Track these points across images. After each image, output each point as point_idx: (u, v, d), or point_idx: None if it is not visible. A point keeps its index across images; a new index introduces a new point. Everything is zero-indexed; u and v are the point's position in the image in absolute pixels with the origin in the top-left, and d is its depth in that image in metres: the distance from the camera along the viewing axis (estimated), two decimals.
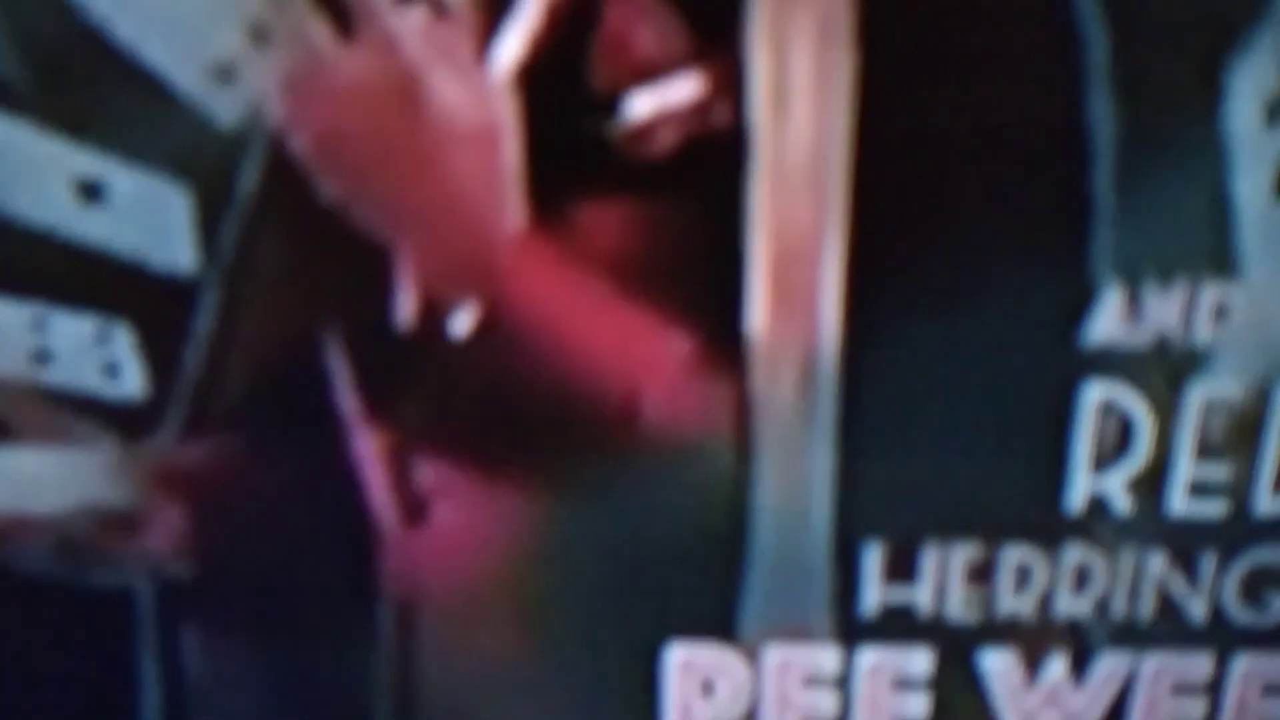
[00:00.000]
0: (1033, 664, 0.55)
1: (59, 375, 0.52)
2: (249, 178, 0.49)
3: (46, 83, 0.48)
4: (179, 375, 0.52)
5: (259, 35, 0.47)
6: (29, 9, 0.47)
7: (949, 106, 0.47)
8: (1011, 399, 0.51)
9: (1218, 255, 0.48)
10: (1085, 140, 0.47)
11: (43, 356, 0.52)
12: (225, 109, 0.48)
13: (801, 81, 0.47)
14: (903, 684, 0.54)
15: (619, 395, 0.51)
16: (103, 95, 0.48)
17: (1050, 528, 0.52)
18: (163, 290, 0.51)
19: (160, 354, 0.52)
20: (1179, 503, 0.52)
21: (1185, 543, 0.53)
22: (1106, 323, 0.49)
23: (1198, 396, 0.50)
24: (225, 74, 0.47)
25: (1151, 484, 0.52)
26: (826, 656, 0.54)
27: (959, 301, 0.49)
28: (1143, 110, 0.46)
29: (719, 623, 0.54)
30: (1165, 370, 0.50)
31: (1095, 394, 0.50)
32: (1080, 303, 0.49)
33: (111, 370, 0.52)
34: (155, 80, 0.48)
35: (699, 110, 0.48)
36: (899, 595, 0.53)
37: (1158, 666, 0.54)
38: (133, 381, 0.52)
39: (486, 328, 0.50)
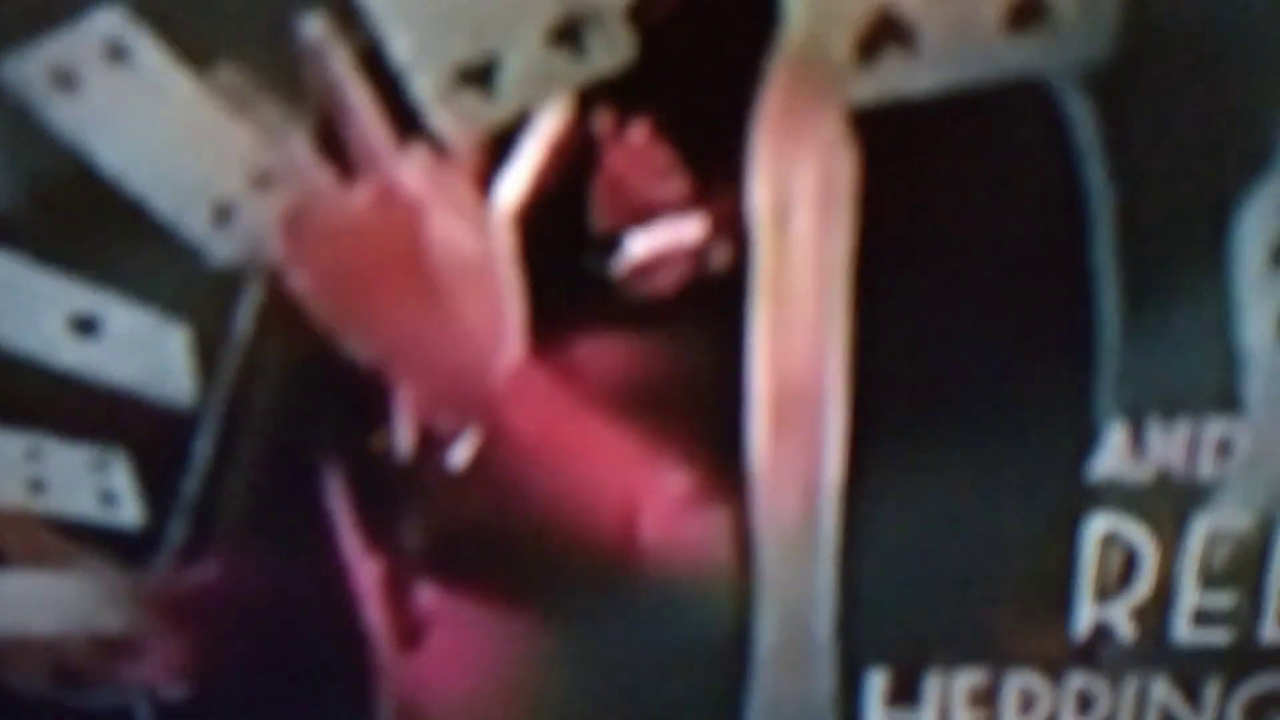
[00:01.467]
0: None
1: (55, 503, 0.52)
2: (246, 313, 0.49)
3: (45, 219, 0.48)
4: (178, 503, 0.52)
5: (261, 180, 0.47)
6: (29, 147, 0.47)
7: (954, 245, 0.47)
8: (1016, 529, 0.50)
9: (1221, 392, 0.48)
10: (1090, 281, 0.47)
11: (39, 485, 0.52)
12: (223, 248, 0.48)
13: (803, 224, 0.47)
14: None
15: (619, 523, 0.51)
16: (101, 233, 0.48)
17: (1054, 655, 0.52)
18: (161, 421, 0.50)
19: (159, 482, 0.52)
20: (1183, 631, 0.52)
21: (1190, 669, 0.52)
22: (1111, 458, 0.49)
23: (1201, 528, 0.50)
24: (225, 215, 0.47)
25: (1156, 612, 0.52)
26: None
27: (964, 434, 0.49)
28: (1147, 254, 0.46)
29: None
30: (1169, 503, 0.50)
31: (1100, 526, 0.50)
32: (1085, 438, 0.49)
33: (108, 498, 0.52)
34: (154, 219, 0.47)
35: (699, 250, 0.47)
36: None
37: None
38: (130, 509, 0.52)
39: (485, 457, 0.50)
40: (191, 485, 0.51)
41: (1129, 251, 0.46)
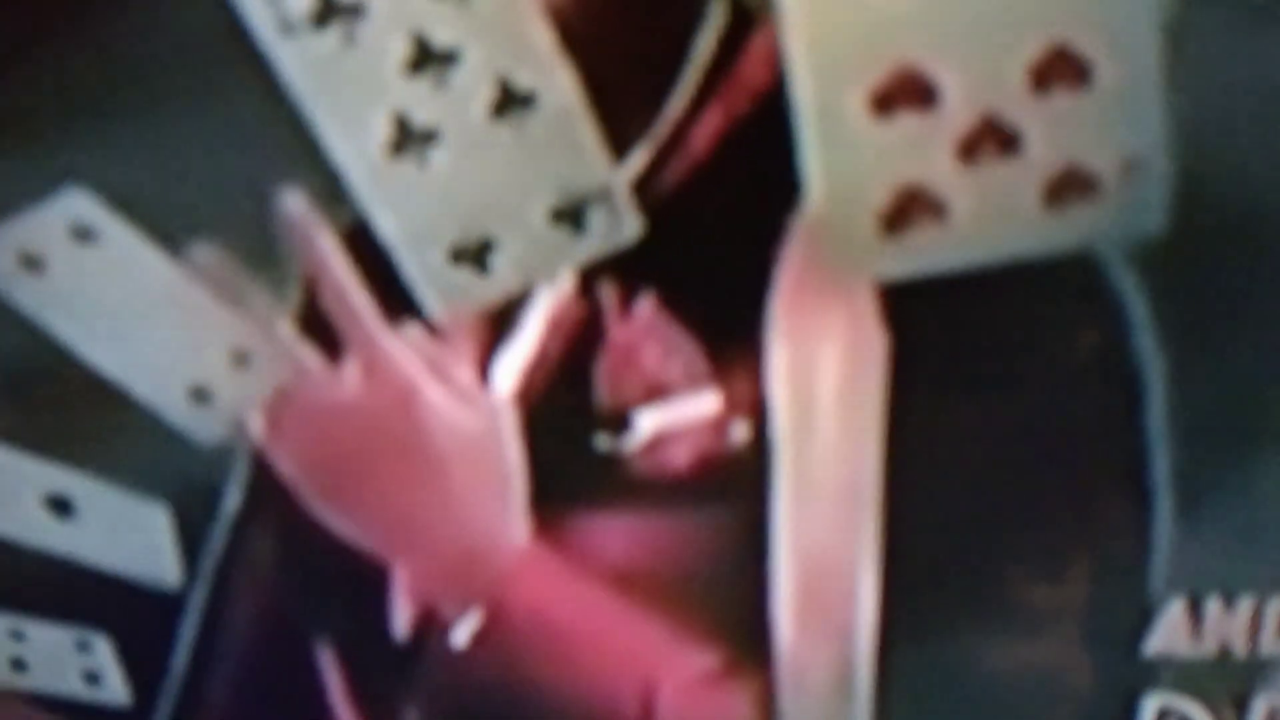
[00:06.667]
0: None
1: (38, 682, 0.49)
2: (233, 492, 0.46)
3: (19, 400, 0.45)
4: (165, 682, 0.49)
5: (240, 360, 0.43)
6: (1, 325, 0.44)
7: (996, 422, 0.43)
8: (1067, 708, 0.47)
9: None
10: (1142, 460, 0.43)
11: (20, 664, 0.49)
12: (205, 428, 0.44)
13: (828, 400, 0.43)
14: None
15: (634, 706, 0.47)
16: (79, 415, 0.45)
17: None
18: (147, 601, 0.47)
19: (145, 662, 0.49)
20: None
21: None
22: (1168, 635, 0.45)
23: (1262, 707, 0.46)
24: (203, 397, 0.44)
25: None
26: None
27: (1008, 613, 0.45)
28: (1204, 430, 0.42)
29: None
30: (1228, 681, 0.46)
31: (1155, 703, 0.47)
32: (1140, 614, 0.45)
33: (92, 678, 0.49)
34: (131, 400, 0.44)
35: (715, 427, 0.44)
36: None
37: None
38: (115, 688, 0.49)
39: (489, 637, 0.47)
40: (178, 667, 0.48)
41: (1184, 428, 0.43)
